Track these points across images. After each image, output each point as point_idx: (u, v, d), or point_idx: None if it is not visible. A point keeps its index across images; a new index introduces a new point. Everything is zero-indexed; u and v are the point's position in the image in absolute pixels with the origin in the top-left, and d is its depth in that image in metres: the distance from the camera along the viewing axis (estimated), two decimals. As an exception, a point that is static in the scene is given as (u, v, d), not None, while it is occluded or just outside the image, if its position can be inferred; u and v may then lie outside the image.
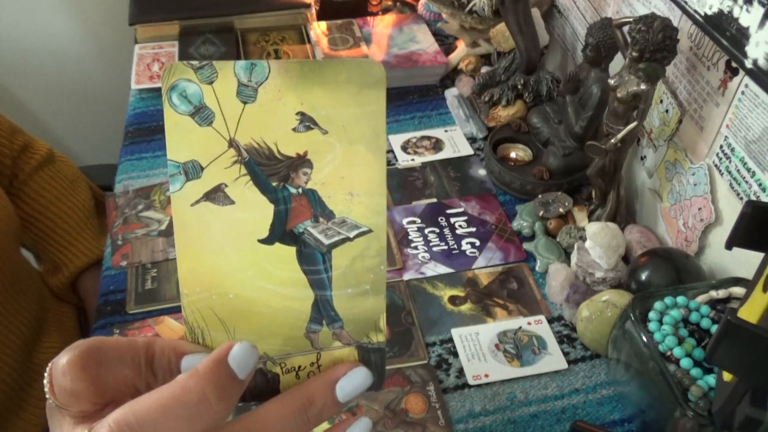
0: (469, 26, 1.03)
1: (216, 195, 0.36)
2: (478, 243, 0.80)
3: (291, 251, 0.37)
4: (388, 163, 0.92)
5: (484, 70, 1.02)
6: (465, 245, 0.80)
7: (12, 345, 0.76)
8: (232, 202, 0.36)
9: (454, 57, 1.08)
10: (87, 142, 1.62)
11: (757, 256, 0.46)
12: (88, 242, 0.90)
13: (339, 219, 0.37)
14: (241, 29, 1.14)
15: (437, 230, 0.82)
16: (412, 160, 0.92)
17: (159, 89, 1.04)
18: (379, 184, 0.36)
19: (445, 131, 0.97)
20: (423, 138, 0.96)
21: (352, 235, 0.37)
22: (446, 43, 1.12)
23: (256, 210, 0.37)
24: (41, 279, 0.91)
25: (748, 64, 0.59)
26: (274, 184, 0.37)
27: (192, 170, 0.36)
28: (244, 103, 0.35)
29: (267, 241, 0.37)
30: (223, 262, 0.37)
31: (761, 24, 0.57)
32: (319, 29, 1.12)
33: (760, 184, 0.60)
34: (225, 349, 0.33)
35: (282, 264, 0.37)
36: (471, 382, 0.66)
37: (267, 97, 0.35)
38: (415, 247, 0.79)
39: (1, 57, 1.49)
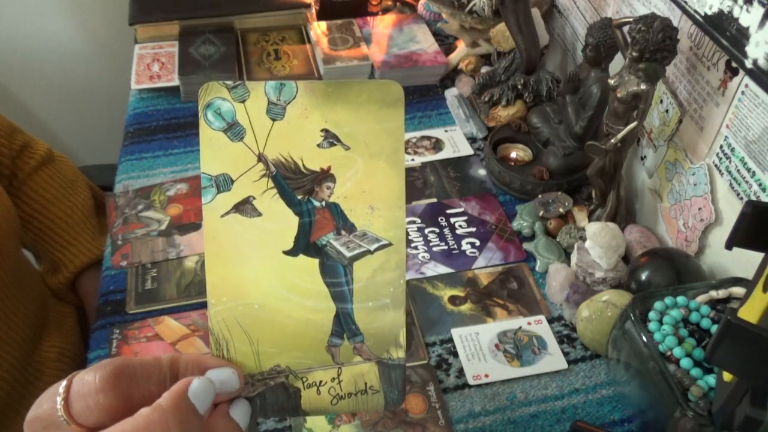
0: (469, 26, 1.03)
1: (245, 207, 0.38)
2: (478, 243, 0.80)
3: (314, 263, 0.39)
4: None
5: (484, 70, 1.02)
6: (465, 245, 0.80)
7: (13, 342, 0.76)
8: (260, 214, 0.38)
9: (454, 57, 1.07)
10: (87, 142, 1.62)
11: (757, 256, 0.46)
12: (88, 242, 0.90)
13: (360, 232, 0.39)
14: (241, 29, 1.14)
15: (437, 230, 0.82)
16: (412, 160, 0.92)
17: (159, 89, 1.04)
18: (398, 197, 0.38)
19: (445, 131, 0.97)
20: (423, 138, 0.96)
21: (372, 248, 0.39)
22: (446, 43, 1.12)
23: (282, 222, 0.38)
24: (41, 278, 0.90)
25: (748, 64, 0.59)
26: (299, 197, 0.38)
27: (223, 183, 0.38)
28: (273, 120, 0.38)
29: (292, 252, 0.39)
30: (250, 272, 0.38)
31: (761, 24, 0.57)
32: (319, 29, 1.12)
33: (760, 184, 0.60)
34: (185, 384, 0.34)
35: (305, 275, 0.39)
36: (471, 382, 0.66)
37: (294, 114, 0.38)
38: (415, 247, 0.79)
39: (1, 57, 1.49)
